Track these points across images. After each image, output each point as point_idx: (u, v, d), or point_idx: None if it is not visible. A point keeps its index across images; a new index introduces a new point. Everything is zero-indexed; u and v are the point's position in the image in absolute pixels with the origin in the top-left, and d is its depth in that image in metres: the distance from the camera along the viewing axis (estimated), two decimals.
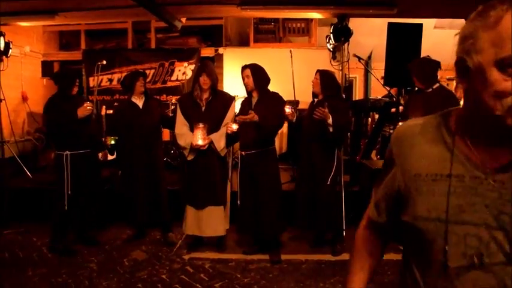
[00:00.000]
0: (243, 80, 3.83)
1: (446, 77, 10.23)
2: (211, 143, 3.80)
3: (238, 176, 3.92)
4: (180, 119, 3.93)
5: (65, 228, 4.06)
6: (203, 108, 3.88)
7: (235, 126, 3.74)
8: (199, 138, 3.72)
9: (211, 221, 3.91)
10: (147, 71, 7.67)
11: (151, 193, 4.16)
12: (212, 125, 3.83)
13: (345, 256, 3.95)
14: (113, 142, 4.02)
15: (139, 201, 4.13)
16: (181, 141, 3.88)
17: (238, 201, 3.90)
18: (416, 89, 4.36)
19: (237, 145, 4.39)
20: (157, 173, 4.23)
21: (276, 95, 3.89)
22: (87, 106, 3.92)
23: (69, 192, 3.90)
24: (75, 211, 3.99)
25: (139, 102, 4.20)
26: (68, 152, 3.91)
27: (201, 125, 3.71)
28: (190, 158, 3.87)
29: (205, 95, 3.87)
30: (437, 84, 3.87)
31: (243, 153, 3.84)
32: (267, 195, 3.80)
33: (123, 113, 4.22)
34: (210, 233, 3.98)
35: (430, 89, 3.84)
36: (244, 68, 3.83)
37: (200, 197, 3.88)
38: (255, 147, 3.77)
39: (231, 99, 4.03)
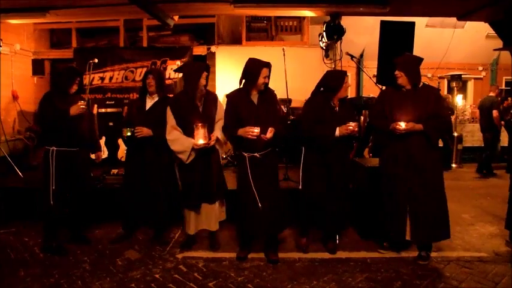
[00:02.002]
0: (262, 79, 3.72)
1: (438, 75, 10.35)
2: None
3: (252, 178, 3.72)
4: (172, 123, 3.83)
5: (54, 226, 4.03)
6: (201, 108, 3.87)
7: (257, 129, 3.61)
8: (200, 138, 3.69)
9: (209, 216, 3.99)
10: (139, 70, 7.66)
11: (147, 193, 4.10)
12: (210, 124, 3.86)
13: (340, 254, 3.98)
14: (129, 134, 3.95)
15: (136, 202, 4.10)
16: (177, 146, 3.79)
17: (260, 204, 3.71)
18: (384, 87, 4.31)
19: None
20: (156, 173, 4.13)
21: (272, 93, 3.90)
22: (81, 105, 3.88)
23: (53, 188, 3.87)
24: (64, 209, 3.96)
25: (149, 102, 4.13)
26: (54, 148, 3.90)
27: (200, 124, 3.69)
28: (189, 160, 3.82)
29: (200, 95, 3.86)
30: (422, 83, 3.82)
31: (257, 155, 3.73)
32: (277, 192, 3.88)
33: (130, 110, 4.23)
34: (207, 226, 4.03)
35: (417, 88, 3.76)
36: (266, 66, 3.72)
37: (199, 195, 3.89)
38: (266, 148, 3.76)
39: (216, 96, 4.07)
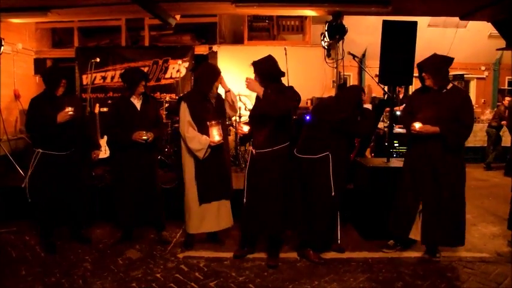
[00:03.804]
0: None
1: None
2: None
3: (246, 174, 3.86)
4: (188, 119, 3.85)
5: (45, 224, 4.06)
6: (214, 105, 3.97)
7: (246, 128, 3.73)
8: (216, 135, 3.78)
9: (225, 213, 4.04)
10: (141, 69, 7.65)
11: (145, 193, 4.11)
12: (223, 121, 3.98)
13: (341, 254, 3.98)
14: (145, 137, 3.96)
15: (131, 202, 4.08)
16: (195, 144, 3.81)
17: (245, 200, 3.82)
18: (385, 87, 4.24)
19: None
20: (152, 173, 4.19)
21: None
22: (68, 111, 3.80)
23: (27, 186, 3.95)
24: (53, 209, 3.97)
25: (137, 102, 4.12)
26: (40, 150, 3.90)
27: (214, 122, 3.78)
28: (204, 157, 3.84)
29: (212, 95, 3.96)
30: (451, 84, 3.72)
31: (254, 151, 3.78)
32: (274, 193, 3.73)
33: (120, 111, 4.10)
34: (224, 225, 4.07)
35: (445, 90, 3.68)
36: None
37: (218, 190, 3.95)
38: (266, 147, 3.71)
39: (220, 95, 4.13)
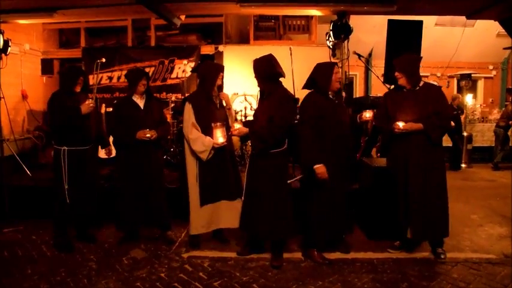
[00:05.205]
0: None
1: (447, 74, 10.24)
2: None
3: (246, 173, 3.88)
4: (192, 120, 3.86)
5: (66, 223, 4.10)
6: (218, 106, 3.96)
7: (237, 126, 3.75)
8: (220, 137, 3.77)
9: (230, 213, 3.98)
10: (147, 69, 7.69)
11: (150, 193, 4.12)
12: (227, 123, 3.94)
13: (346, 255, 3.96)
14: (148, 135, 4.05)
15: (134, 203, 4.09)
16: (198, 146, 3.81)
17: (243, 197, 3.85)
18: (393, 86, 4.22)
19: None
20: (157, 172, 4.20)
21: (285, 94, 3.76)
22: (90, 103, 3.97)
23: (67, 186, 3.95)
24: (74, 207, 4.02)
25: (140, 101, 4.16)
26: (65, 148, 3.96)
27: (219, 124, 3.77)
28: (208, 158, 3.85)
29: (216, 95, 3.94)
30: (423, 82, 3.81)
31: (249, 151, 3.85)
32: (266, 197, 3.69)
33: (123, 111, 4.14)
34: (228, 224, 4.02)
35: (418, 87, 3.76)
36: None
37: (221, 191, 3.93)
38: (257, 148, 3.71)
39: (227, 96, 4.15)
